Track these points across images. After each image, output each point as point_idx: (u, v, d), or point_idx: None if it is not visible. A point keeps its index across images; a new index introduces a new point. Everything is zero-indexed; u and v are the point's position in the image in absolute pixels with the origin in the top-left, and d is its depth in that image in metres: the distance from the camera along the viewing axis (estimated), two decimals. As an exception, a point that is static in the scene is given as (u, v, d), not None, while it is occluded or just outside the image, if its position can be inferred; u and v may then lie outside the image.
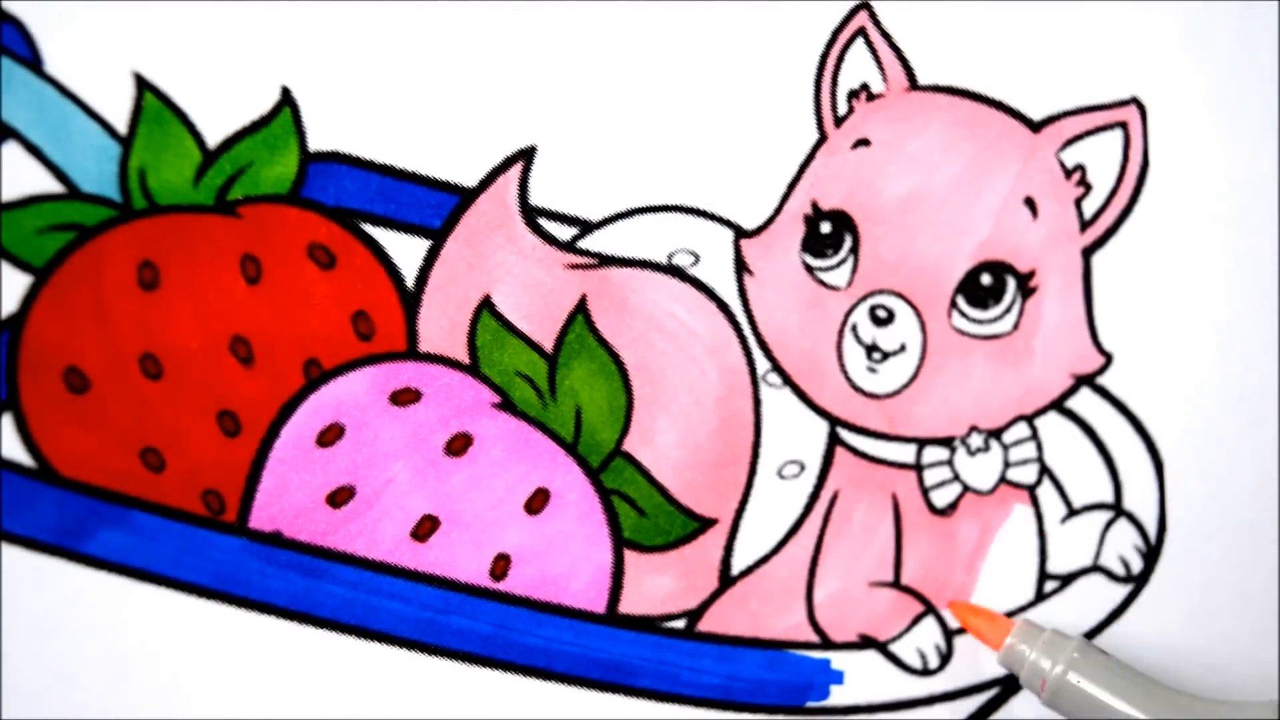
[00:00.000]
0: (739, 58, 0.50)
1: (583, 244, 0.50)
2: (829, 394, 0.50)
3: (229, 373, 0.48)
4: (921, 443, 0.50)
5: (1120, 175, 0.50)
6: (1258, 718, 0.46)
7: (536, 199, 0.49)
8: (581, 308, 0.50)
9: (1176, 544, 0.51)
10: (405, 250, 0.49)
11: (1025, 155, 0.50)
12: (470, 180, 0.49)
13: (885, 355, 0.50)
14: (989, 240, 0.50)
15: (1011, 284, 0.50)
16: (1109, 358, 0.51)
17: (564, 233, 0.50)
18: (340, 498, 0.49)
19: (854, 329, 0.50)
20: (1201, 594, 0.51)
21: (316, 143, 0.49)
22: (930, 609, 0.50)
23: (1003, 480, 0.50)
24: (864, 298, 0.50)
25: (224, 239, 0.48)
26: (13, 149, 0.47)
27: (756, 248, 0.50)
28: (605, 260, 0.50)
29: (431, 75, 0.49)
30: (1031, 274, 0.50)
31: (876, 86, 0.50)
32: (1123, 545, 0.51)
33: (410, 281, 0.49)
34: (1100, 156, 0.50)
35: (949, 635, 0.50)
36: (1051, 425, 0.51)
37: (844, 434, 0.50)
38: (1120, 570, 0.51)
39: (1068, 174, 0.50)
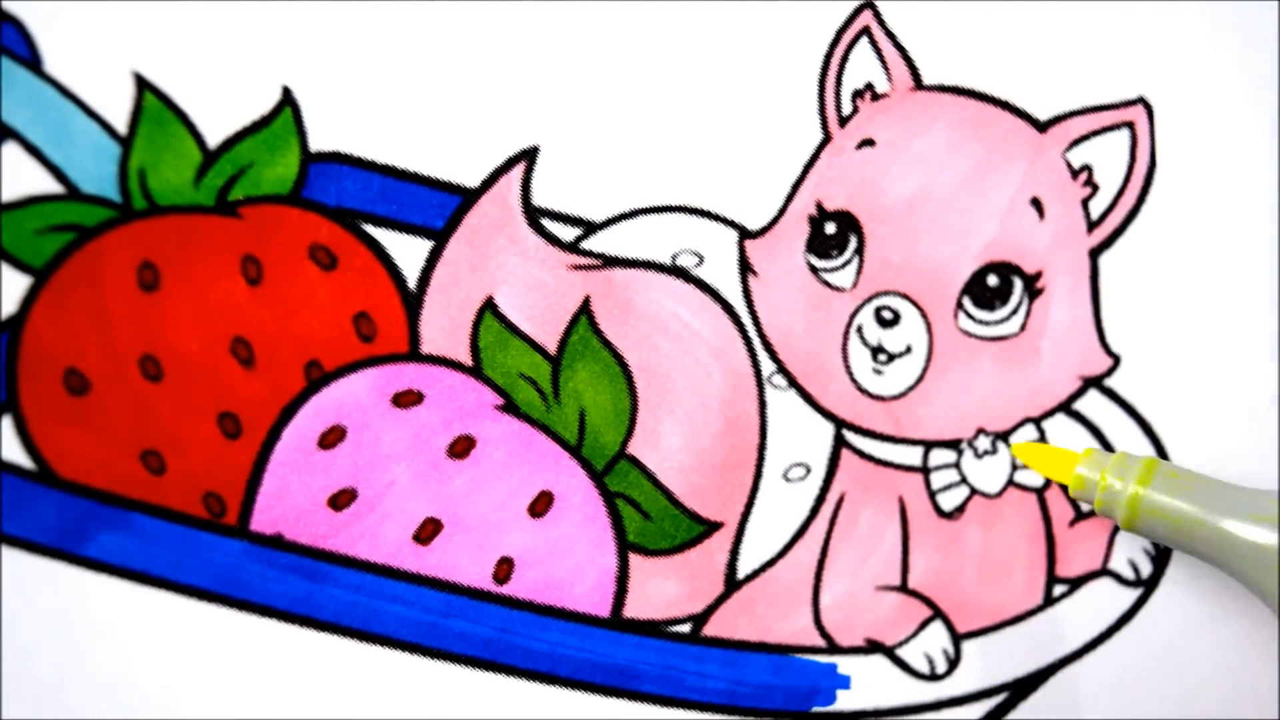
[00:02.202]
0: (743, 58, 0.50)
1: (586, 245, 0.49)
2: (834, 396, 0.50)
3: (230, 374, 0.48)
4: (928, 445, 0.50)
5: (1127, 175, 0.50)
6: None
7: (539, 199, 0.49)
8: (585, 309, 0.49)
9: (1186, 547, 0.51)
10: (407, 251, 0.49)
11: (1031, 155, 0.50)
12: (472, 181, 0.49)
13: (891, 357, 0.50)
14: (995, 241, 0.50)
15: (1018, 285, 0.50)
16: (1117, 359, 0.50)
17: (567, 233, 0.49)
18: (342, 500, 0.48)
19: (859, 330, 0.50)
20: (1211, 598, 0.50)
21: (317, 143, 0.48)
22: (938, 613, 0.50)
23: (1010, 483, 0.50)
24: (869, 299, 0.49)
25: (225, 240, 0.48)
26: (12, 149, 0.47)
27: (761, 249, 0.50)
28: (609, 261, 0.49)
29: (433, 75, 0.49)
30: (1038, 275, 0.50)
31: (881, 86, 0.50)
32: (1132, 549, 0.51)
33: (412, 283, 0.49)
34: (1107, 157, 0.50)
35: (957, 639, 0.50)
36: (1059, 427, 0.50)
37: (850, 436, 0.50)
38: (1129, 574, 0.51)
39: (1074, 174, 0.50)
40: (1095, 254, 0.50)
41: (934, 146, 0.50)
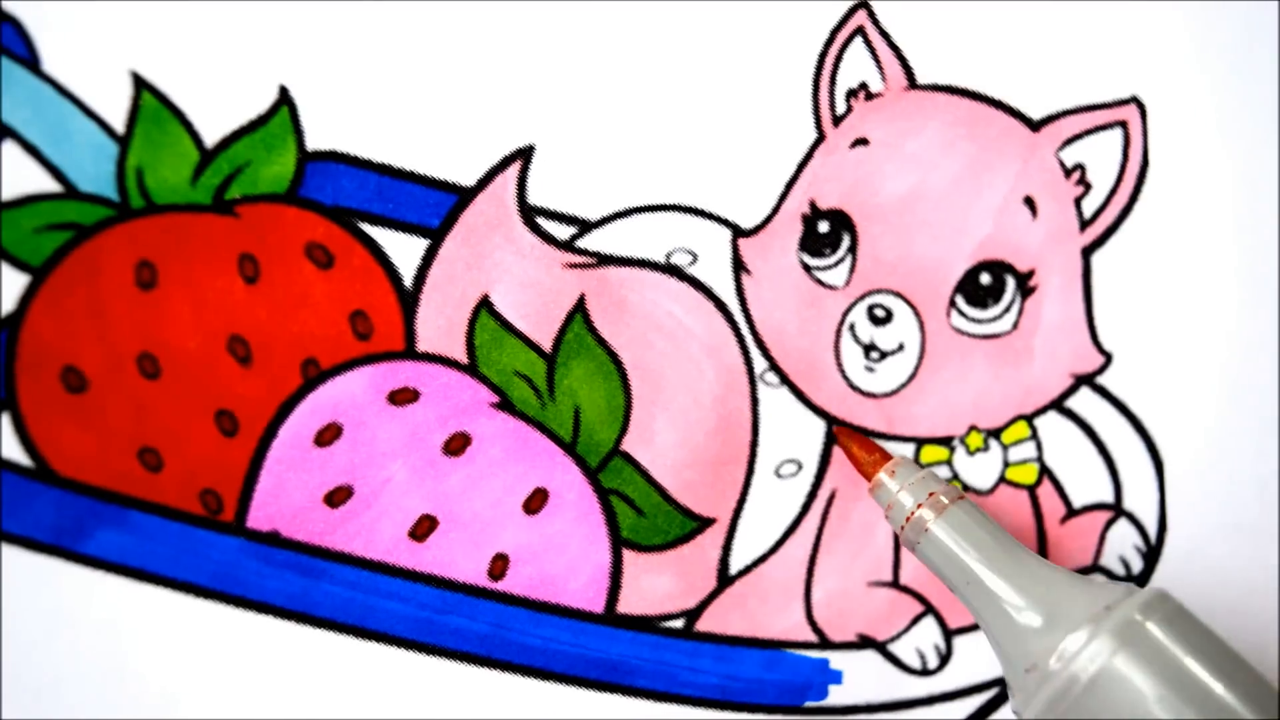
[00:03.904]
0: (737, 57, 0.50)
1: (581, 243, 0.50)
2: (827, 393, 0.50)
3: (227, 372, 0.48)
4: (920, 442, 0.50)
5: (1120, 174, 0.50)
6: (1119, 600, 0.44)
7: (535, 198, 0.49)
8: (580, 307, 0.49)
9: (1177, 544, 0.51)
10: (403, 249, 0.49)
11: (1025, 154, 0.50)
12: (468, 179, 0.49)
13: (883, 355, 0.50)
14: (988, 239, 0.50)
15: (1011, 283, 0.50)
16: (1109, 357, 0.51)
17: (562, 232, 0.50)
18: (338, 497, 0.49)
19: (852, 328, 0.50)
20: (1202, 594, 0.51)
21: (314, 142, 0.49)
22: (929, 609, 0.50)
23: (1002, 480, 0.50)
24: (862, 297, 0.50)
25: (222, 238, 0.48)
26: (11, 148, 0.47)
27: (754, 247, 0.50)
28: (604, 259, 0.50)
29: (430, 74, 0.49)
30: (1031, 273, 0.50)
31: (875, 86, 0.50)
32: (1123, 545, 0.51)
33: (408, 281, 0.49)
34: (1100, 155, 0.50)
35: (948, 635, 0.50)
36: (1051, 425, 0.51)
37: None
38: (1120, 571, 0.51)
39: (1067, 173, 0.50)
40: (1088, 252, 0.50)
41: (927, 145, 0.50)
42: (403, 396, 0.49)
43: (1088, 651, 0.43)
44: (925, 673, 0.50)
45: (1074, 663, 0.43)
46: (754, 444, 0.50)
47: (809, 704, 0.50)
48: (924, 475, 0.47)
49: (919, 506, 0.46)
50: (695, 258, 0.50)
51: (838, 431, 0.49)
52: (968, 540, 0.46)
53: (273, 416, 0.48)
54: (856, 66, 0.50)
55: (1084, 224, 0.50)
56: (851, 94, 0.50)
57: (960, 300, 0.50)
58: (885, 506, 0.47)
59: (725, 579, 0.50)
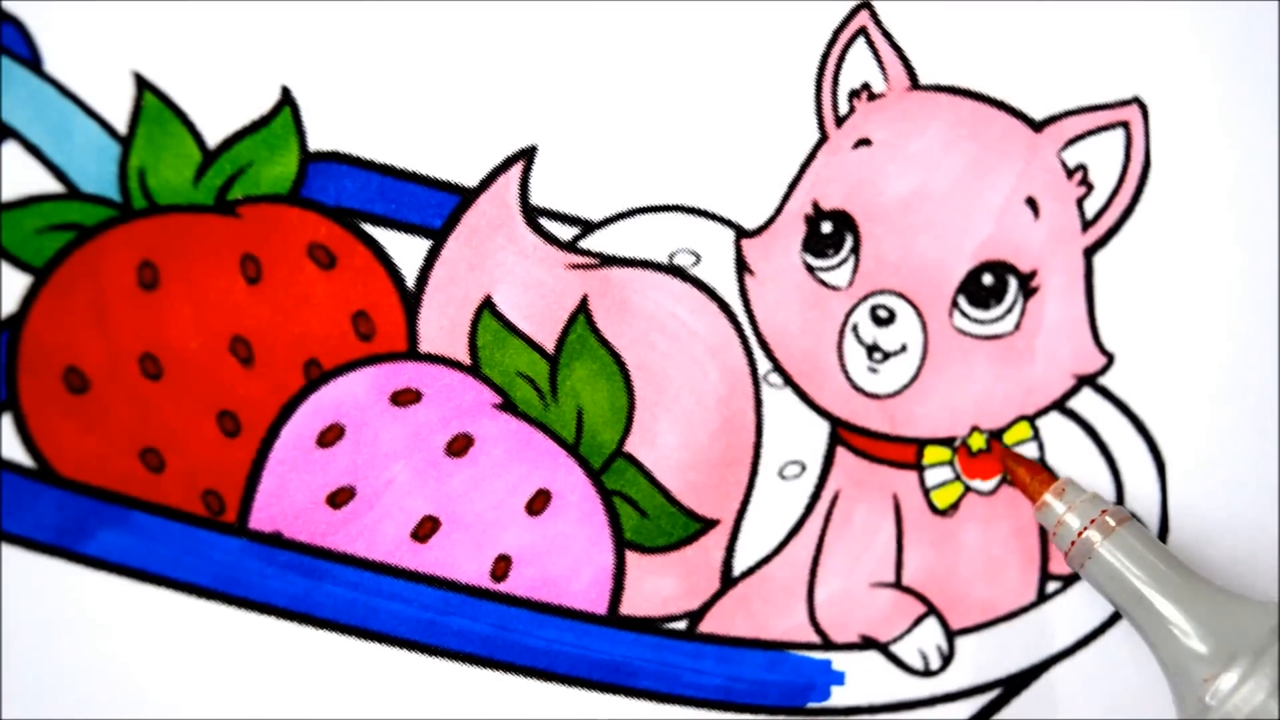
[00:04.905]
0: (740, 58, 0.50)
1: (584, 244, 0.50)
2: (830, 394, 0.50)
3: (229, 373, 0.48)
4: (923, 443, 0.50)
5: (1122, 175, 0.50)
6: None
7: (537, 199, 0.49)
8: (583, 308, 0.49)
9: (1179, 544, 0.51)
10: (406, 250, 0.49)
11: (1027, 155, 0.50)
12: (471, 180, 0.49)
13: (886, 355, 0.50)
14: (990, 240, 0.50)
15: (1013, 284, 0.50)
16: (1111, 358, 0.51)
17: (565, 233, 0.50)
18: (340, 498, 0.49)
19: (855, 329, 0.50)
20: (1203, 595, 0.51)
21: (316, 142, 0.49)
22: (932, 609, 0.50)
23: (1004, 480, 0.50)
24: (865, 298, 0.50)
25: (224, 239, 0.48)
26: (13, 149, 0.47)
27: (757, 248, 0.50)
28: (606, 260, 0.50)
29: (432, 75, 0.49)
30: (1033, 274, 0.50)
31: (878, 86, 0.50)
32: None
33: (411, 281, 0.49)
34: (1102, 156, 0.50)
35: (950, 636, 0.50)
36: (1053, 425, 0.51)
37: (845, 434, 0.50)
38: (1122, 571, 0.51)
39: (1069, 174, 0.50)
40: (1090, 253, 0.50)
41: (930, 146, 0.50)
42: (405, 397, 0.49)
43: (1257, 676, 0.43)
44: (927, 673, 0.50)
45: (1243, 687, 0.44)
46: (757, 445, 0.50)
47: (811, 705, 0.50)
48: (1090, 497, 0.48)
49: (1088, 525, 0.47)
50: (698, 258, 0.50)
51: (1001, 454, 0.50)
52: (1135, 562, 0.46)
53: (275, 417, 0.48)
54: (859, 67, 0.50)
55: (1086, 224, 0.50)
56: (854, 94, 0.50)
57: (963, 301, 0.50)
58: (1052, 527, 0.48)
59: (728, 580, 0.50)
